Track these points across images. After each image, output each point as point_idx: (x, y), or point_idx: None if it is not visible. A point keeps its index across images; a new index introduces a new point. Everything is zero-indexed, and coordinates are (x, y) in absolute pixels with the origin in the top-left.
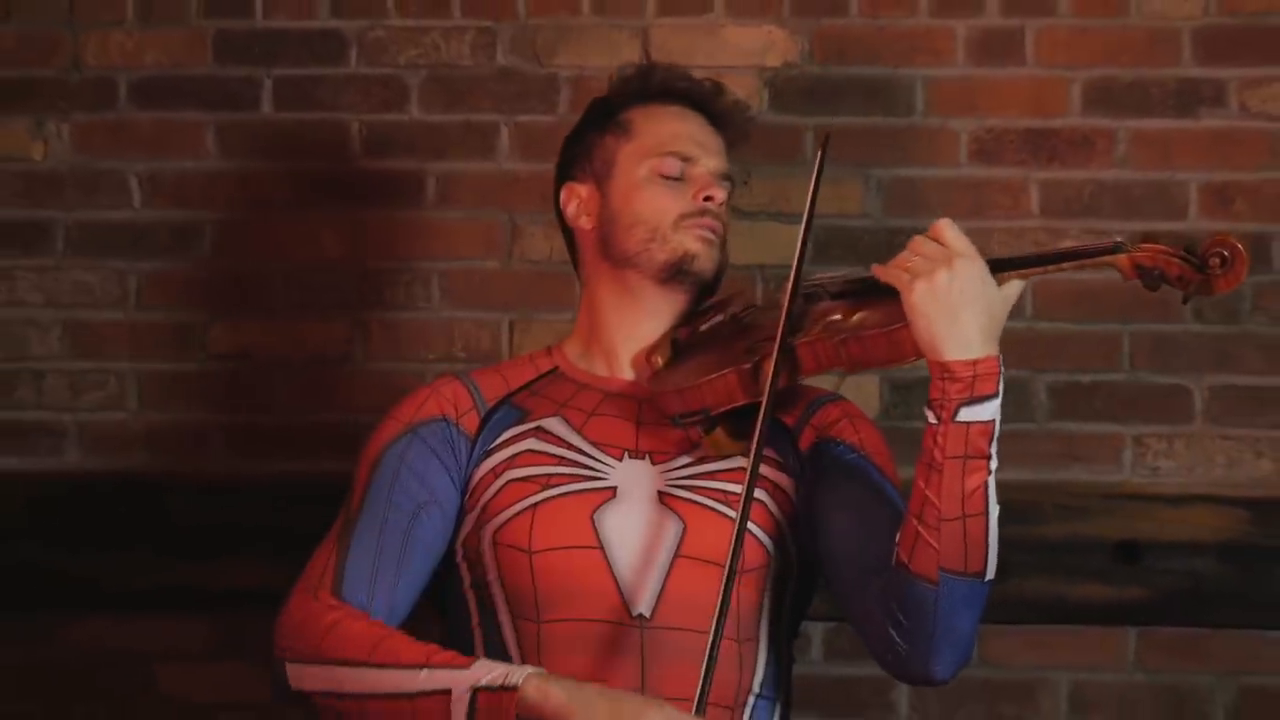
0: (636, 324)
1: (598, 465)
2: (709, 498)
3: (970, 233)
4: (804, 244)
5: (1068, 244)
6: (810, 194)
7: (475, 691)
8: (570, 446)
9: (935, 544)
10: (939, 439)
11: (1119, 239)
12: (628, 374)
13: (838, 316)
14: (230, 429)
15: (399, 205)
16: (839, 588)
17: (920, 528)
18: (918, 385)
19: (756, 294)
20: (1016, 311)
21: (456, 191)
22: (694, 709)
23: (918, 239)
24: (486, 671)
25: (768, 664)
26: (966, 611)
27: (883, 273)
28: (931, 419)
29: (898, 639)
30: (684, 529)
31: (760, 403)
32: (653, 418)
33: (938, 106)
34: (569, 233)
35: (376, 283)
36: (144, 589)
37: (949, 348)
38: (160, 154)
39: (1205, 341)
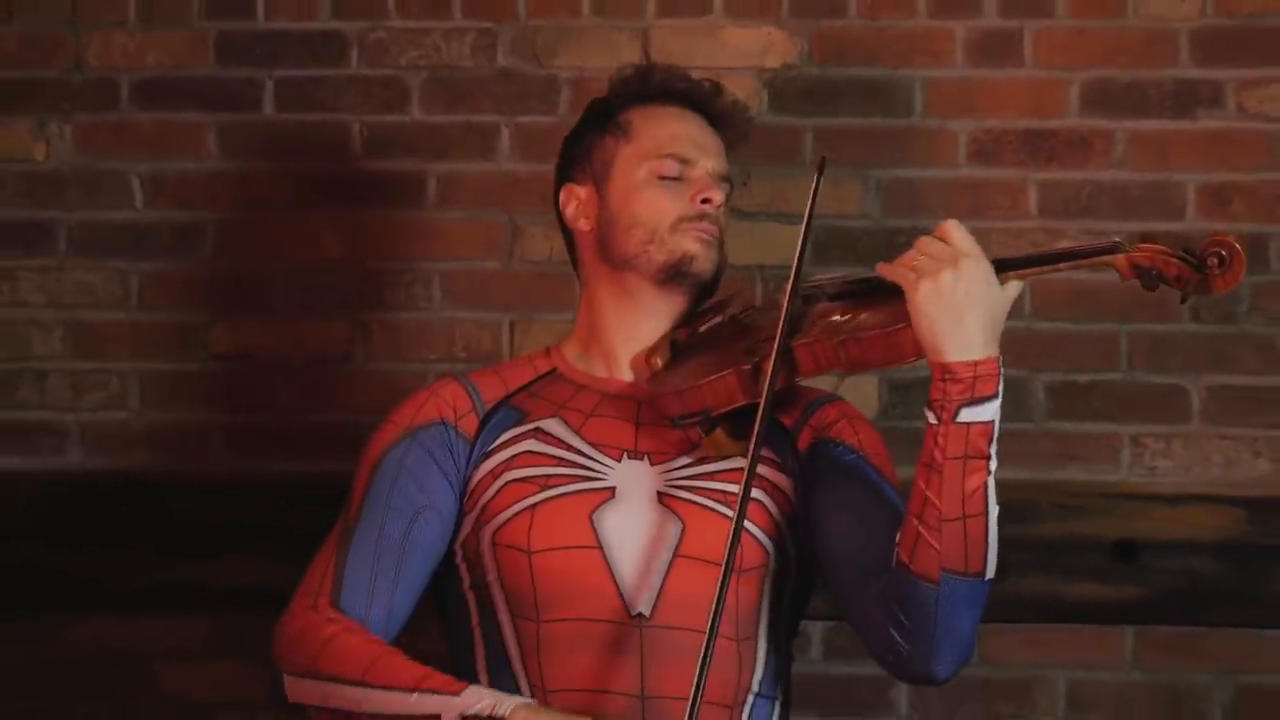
0: (635, 325)
1: (596, 466)
2: (708, 498)
3: (970, 233)
4: (799, 260)
5: (1066, 244)
6: (806, 215)
7: (464, 719)
8: (569, 447)
9: (936, 544)
10: (939, 440)
11: (1117, 239)
12: (626, 375)
13: (836, 318)
14: (231, 429)
15: (400, 206)
16: (838, 588)
17: (921, 528)
18: (917, 385)
19: (756, 294)
20: (1015, 311)
21: (457, 192)
22: (689, 707)
23: (924, 239)
24: (477, 699)
25: (767, 663)
26: (967, 611)
27: (888, 271)
28: (932, 419)
29: (899, 639)
30: (683, 529)
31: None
32: (651, 418)
33: (936, 107)
34: (568, 233)
35: (377, 283)
36: (145, 588)
37: (951, 349)
38: (162, 155)
39: (1202, 341)
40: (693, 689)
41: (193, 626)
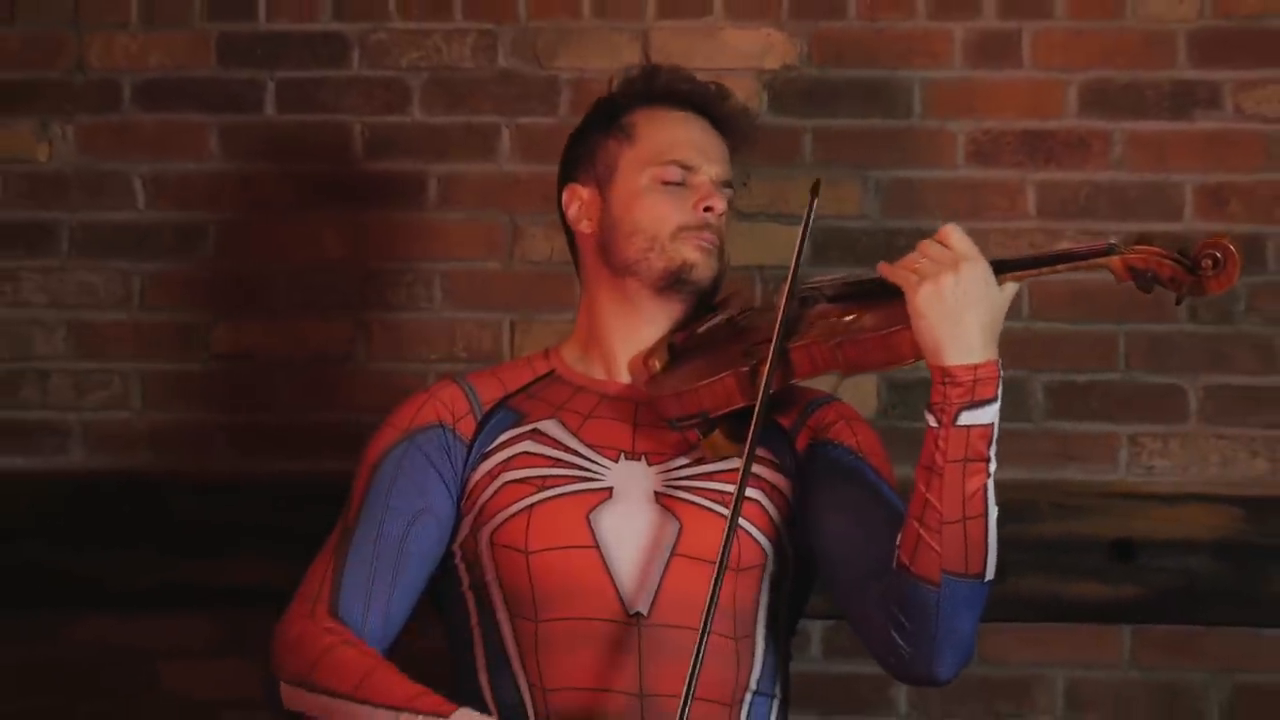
0: (635, 329)
1: (593, 467)
2: (705, 498)
3: (968, 234)
4: (793, 274)
5: (1062, 246)
6: (799, 238)
7: None
8: (566, 448)
9: (937, 546)
10: (940, 443)
11: (1113, 241)
12: (625, 377)
13: (834, 320)
14: (233, 428)
15: (401, 206)
16: (837, 588)
17: (922, 530)
18: (916, 385)
19: (755, 294)
20: (1013, 312)
21: (458, 193)
22: (681, 703)
23: (925, 242)
24: None
25: (765, 661)
26: (968, 612)
27: (890, 272)
28: (932, 423)
29: (900, 641)
30: (680, 528)
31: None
32: (649, 420)
33: (935, 108)
34: (570, 233)
35: (378, 283)
36: (147, 587)
37: (951, 352)
38: (164, 155)
39: (1200, 342)
40: (685, 685)
41: (194, 625)
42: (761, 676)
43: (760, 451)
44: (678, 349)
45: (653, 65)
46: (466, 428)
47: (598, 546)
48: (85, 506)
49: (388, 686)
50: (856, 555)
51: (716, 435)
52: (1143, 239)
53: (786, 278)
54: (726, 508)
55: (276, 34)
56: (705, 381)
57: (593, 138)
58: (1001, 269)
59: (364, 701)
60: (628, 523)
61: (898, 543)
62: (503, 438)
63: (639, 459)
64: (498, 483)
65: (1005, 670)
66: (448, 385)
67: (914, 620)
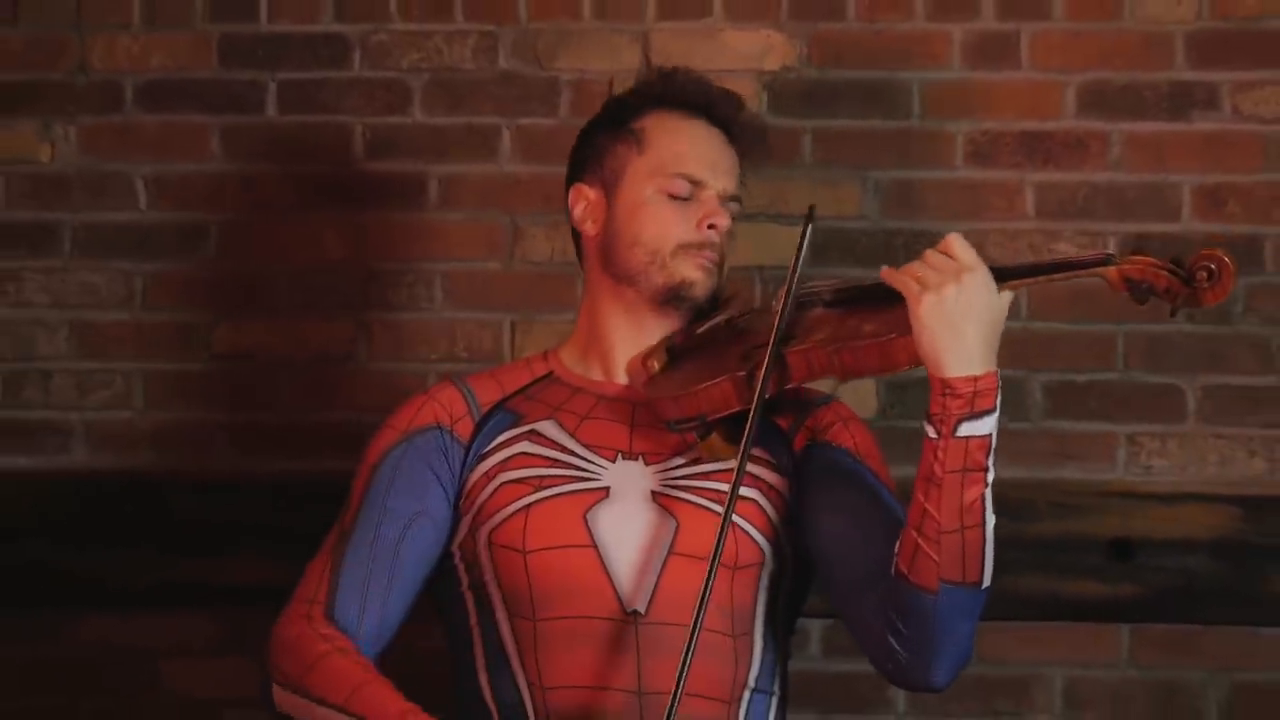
0: (633, 335)
1: (590, 467)
2: (702, 497)
3: (967, 234)
4: (788, 293)
5: (1059, 255)
6: (793, 263)
7: None
8: (563, 449)
9: (935, 555)
10: (939, 454)
11: (1109, 251)
12: (623, 379)
13: (831, 325)
14: (234, 428)
15: (401, 207)
16: (834, 590)
17: (920, 540)
18: (915, 385)
19: (754, 295)
20: (1012, 312)
21: (458, 193)
22: (671, 697)
23: (928, 252)
24: None
25: (764, 658)
26: (965, 620)
27: (892, 278)
28: (931, 433)
29: (897, 647)
30: (677, 527)
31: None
32: (647, 420)
33: (934, 109)
34: (576, 231)
35: (379, 283)
36: (148, 586)
37: (951, 363)
38: (166, 156)
39: (1198, 342)
40: (676, 679)
41: (195, 624)
42: (760, 674)
43: (758, 452)
44: (676, 350)
45: (670, 68)
46: (464, 429)
47: (595, 546)
48: (87, 506)
49: (379, 701)
50: (853, 556)
51: (714, 438)
52: (1138, 250)
53: (784, 285)
54: (723, 507)
55: (278, 35)
56: (702, 385)
57: (602, 138)
58: (1000, 277)
59: (353, 714)
60: (625, 522)
61: (896, 550)
62: (500, 439)
63: (636, 459)
64: (495, 483)
65: (1004, 669)
66: (446, 387)
67: (911, 627)
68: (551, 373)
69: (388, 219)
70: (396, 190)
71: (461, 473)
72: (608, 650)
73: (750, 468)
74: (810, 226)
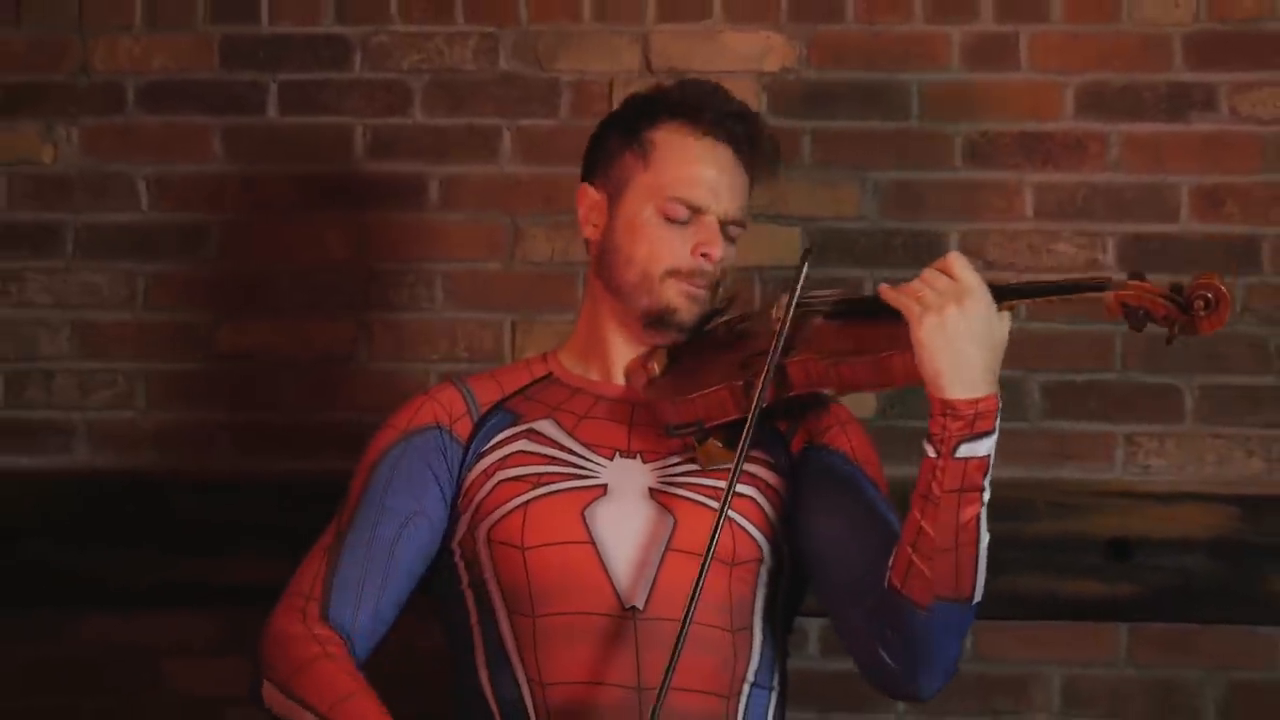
0: (629, 341)
1: (588, 465)
2: (700, 493)
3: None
4: (785, 317)
5: (1059, 276)
6: (789, 299)
7: None
8: (561, 447)
9: (929, 572)
10: (937, 473)
11: (1108, 276)
12: (621, 380)
13: (831, 338)
14: (236, 428)
15: (402, 208)
16: (826, 592)
17: (915, 556)
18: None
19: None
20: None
21: (459, 194)
22: (659, 687)
23: (929, 271)
24: None
25: (763, 654)
26: (955, 634)
27: (892, 298)
28: (930, 453)
29: (886, 657)
30: (675, 523)
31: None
32: (645, 419)
33: (933, 110)
34: None
35: (380, 284)
36: (150, 586)
37: (953, 385)
38: (167, 157)
39: (1196, 342)
40: (665, 669)
41: (197, 623)
42: (759, 669)
43: (755, 452)
44: (676, 353)
45: (691, 80)
46: (463, 429)
47: (593, 542)
48: (89, 506)
49: (360, 714)
50: (846, 560)
51: (711, 443)
52: (1136, 276)
53: (784, 296)
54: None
55: (279, 36)
56: (700, 392)
57: (614, 142)
58: (997, 296)
59: None
60: (623, 518)
61: (889, 564)
62: (499, 437)
63: (634, 457)
64: (493, 481)
65: (1002, 668)
66: (446, 388)
67: (901, 639)
68: (551, 374)
69: (389, 219)
70: (397, 191)
71: (460, 472)
72: (606, 646)
73: (748, 466)
74: (807, 265)
